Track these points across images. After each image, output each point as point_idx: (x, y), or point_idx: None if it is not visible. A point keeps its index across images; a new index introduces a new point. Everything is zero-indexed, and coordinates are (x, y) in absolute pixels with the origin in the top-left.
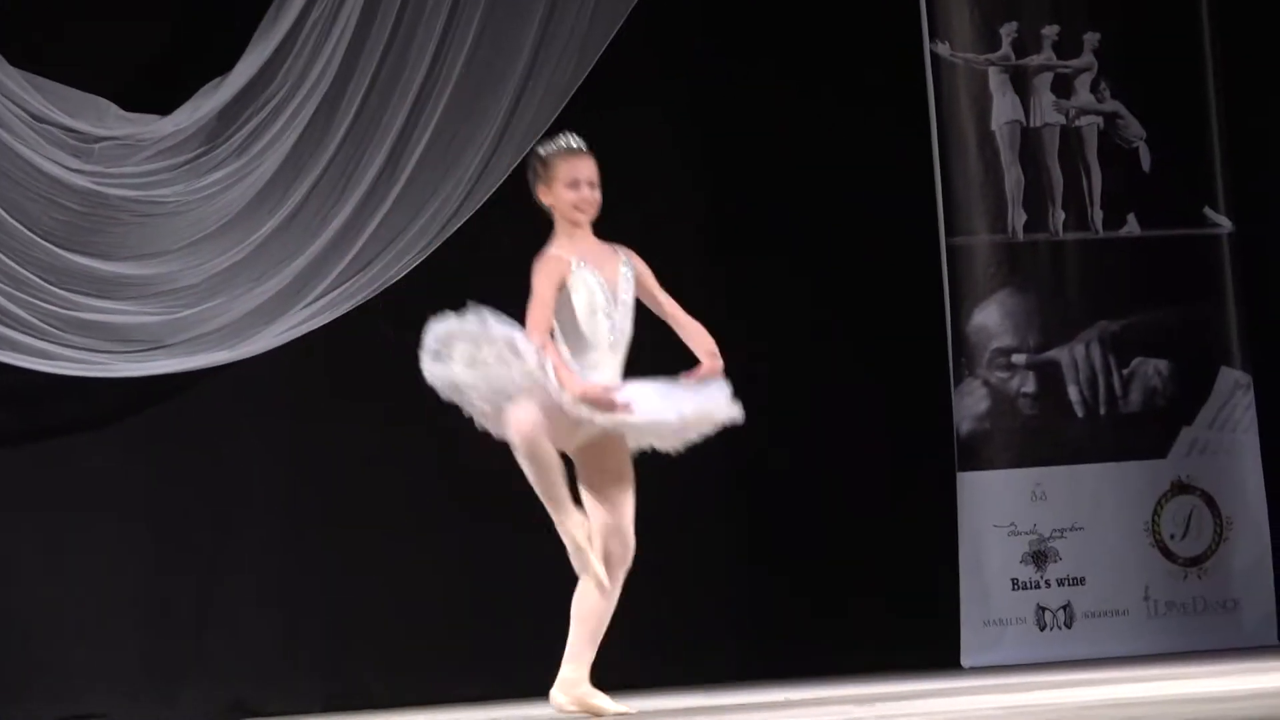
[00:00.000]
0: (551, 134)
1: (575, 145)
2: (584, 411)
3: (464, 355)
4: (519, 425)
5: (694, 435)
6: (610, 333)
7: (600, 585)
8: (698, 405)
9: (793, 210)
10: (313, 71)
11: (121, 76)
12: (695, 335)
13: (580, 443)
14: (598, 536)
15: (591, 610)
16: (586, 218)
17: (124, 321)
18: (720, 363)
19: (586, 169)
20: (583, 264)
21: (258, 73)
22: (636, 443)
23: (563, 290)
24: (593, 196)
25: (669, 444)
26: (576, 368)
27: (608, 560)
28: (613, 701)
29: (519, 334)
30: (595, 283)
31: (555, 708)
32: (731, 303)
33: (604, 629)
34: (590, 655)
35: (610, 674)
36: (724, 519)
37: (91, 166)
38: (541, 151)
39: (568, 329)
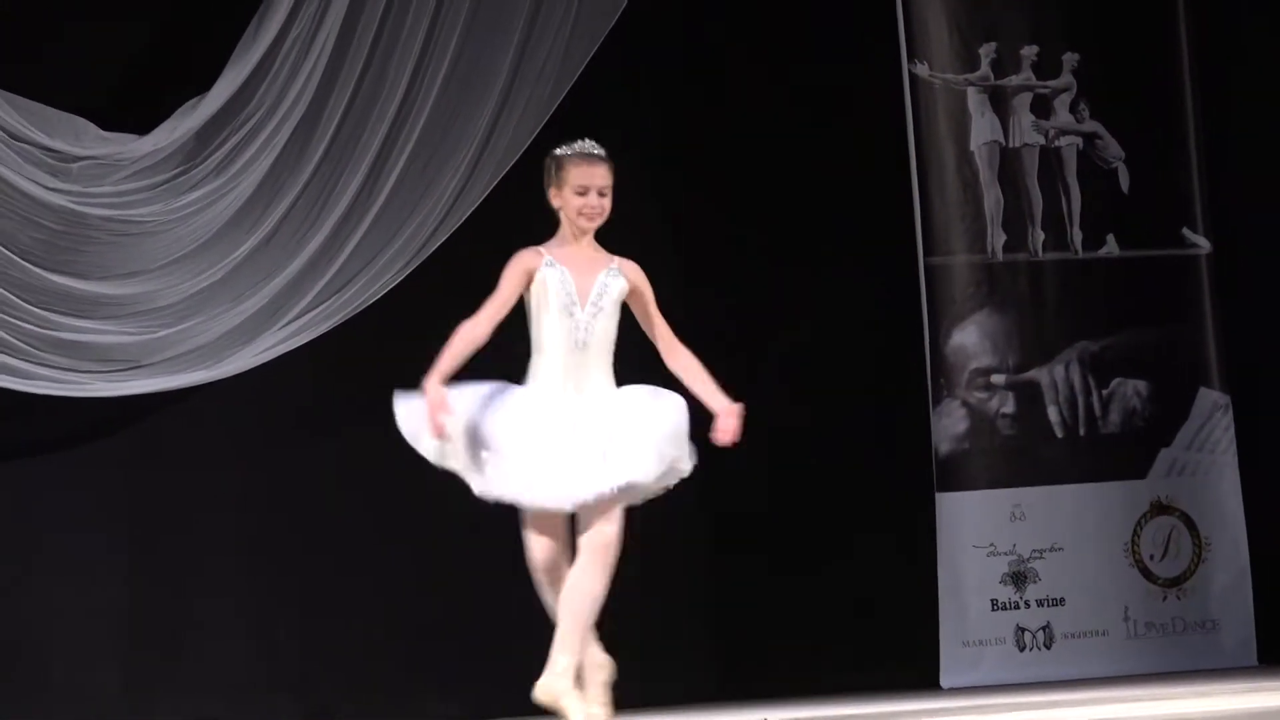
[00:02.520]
0: (542, 150)
1: (593, 151)
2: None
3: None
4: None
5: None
6: (574, 332)
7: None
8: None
9: (771, 229)
10: (291, 91)
11: (100, 96)
12: (695, 376)
13: None
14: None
15: (569, 593)
16: (591, 225)
17: (102, 341)
18: (735, 419)
19: (600, 176)
20: (554, 263)
21: (236, 92)
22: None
23: (531, 286)
24: (600, 205)
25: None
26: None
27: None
28: (583, 711)
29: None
30: (561, 281)
31: (536, 699)
32: (709, 323)
33: (584, 613)
34: (574, 642)
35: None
36: (704, 538)
37: (69, 186)
38: (558, 152)
39: (533, 326)
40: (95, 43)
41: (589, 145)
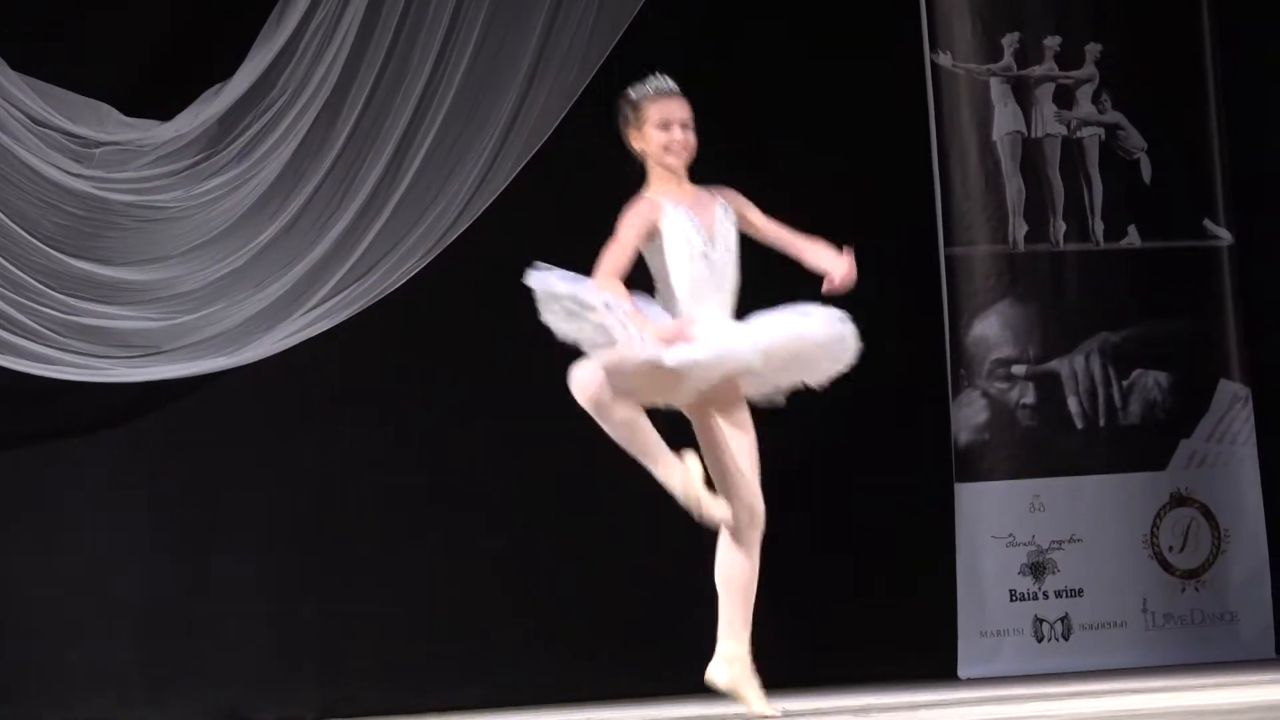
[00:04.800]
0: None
1: (667, 87)
2: (665, 358)
3: (557, 312)
4: (580, 388)
5: (796, 372)
6: (711, 276)
7: (731, 533)
8: (784, 333)
9: (791, 218)
10: (314, 78)
11: (122, 81)
12: (813, 250)
13: (687, 398)
14: (722, 500)
15: (734, 575)
16: (678, 160)
17: (124, 326)
18: (846, 266)
19: (679, 110)
20: (677, 206)
21: (259, 79)
22: (748, 389)
23: (655, 237)
24: (685, 138)
25: (771, 383)
26: (660, 314)
27: (737, 528)
28: (763, 700)
29: (585, 288)
30: (690, 225)
31: (711, 684)
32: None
33: (753, 595)
34: (746, 626)
35: (604, 682)
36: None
37: (92, 171)
38: (632, 94)
39: (664, 275)
40: (118, 28)
41: (663, 81)
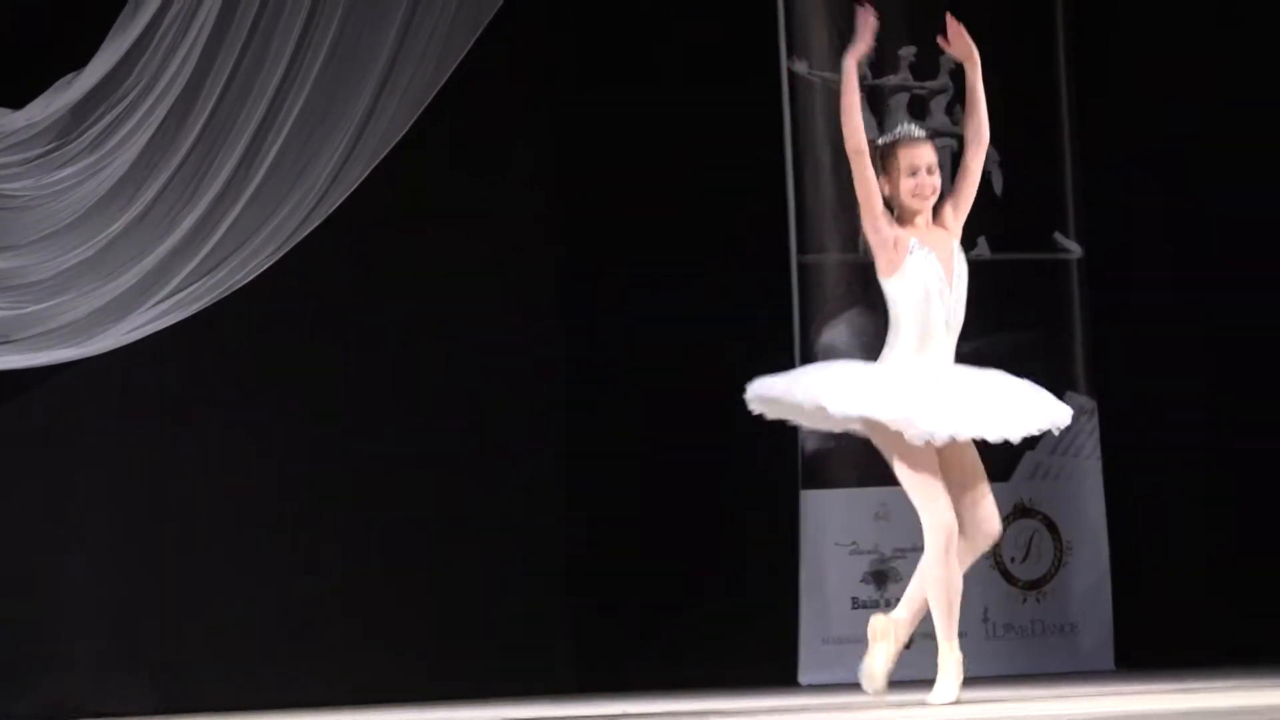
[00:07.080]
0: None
1: (916, 134)
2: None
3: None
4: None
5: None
6: (943, 316)
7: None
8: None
9: (644, 222)
10: (168, 69)
11: None
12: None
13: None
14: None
15: (929, 577)
16: (924, 203)
17: None
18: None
19: (926, 155)
20: (922, 246)
21: (113, 69)
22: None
23: (897, 268)
24: (931, 182)
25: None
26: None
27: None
28: (875, 670)
29: (825, 395)
30: (933, 267)
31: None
32: (578, 313)
33: (948, 601)
34: (922, 609)
35: (445, 682)
36: (563, 527)
37: None
38: (880, 141)
39: (905, 313)
40: None
41: (911, 128)
